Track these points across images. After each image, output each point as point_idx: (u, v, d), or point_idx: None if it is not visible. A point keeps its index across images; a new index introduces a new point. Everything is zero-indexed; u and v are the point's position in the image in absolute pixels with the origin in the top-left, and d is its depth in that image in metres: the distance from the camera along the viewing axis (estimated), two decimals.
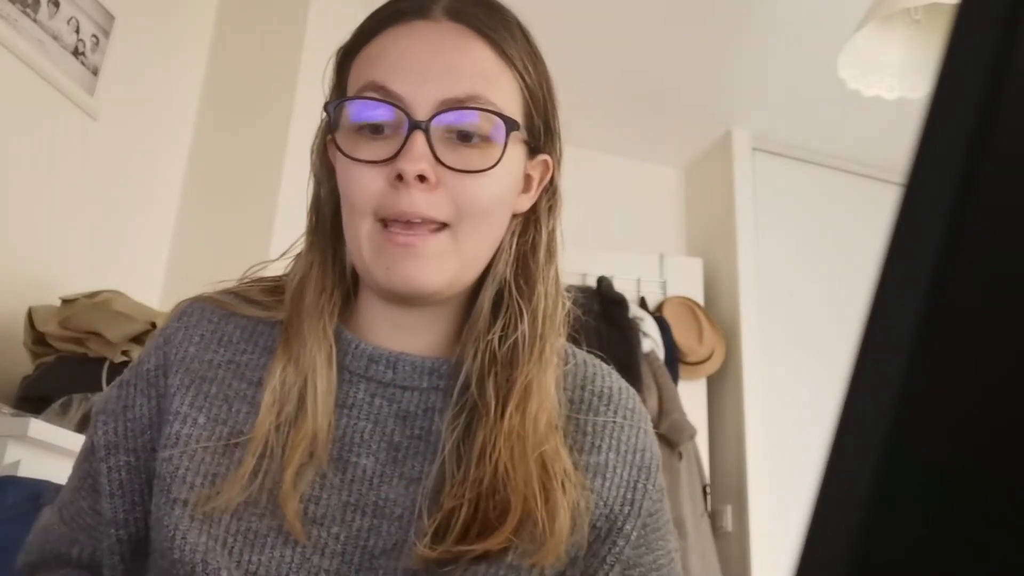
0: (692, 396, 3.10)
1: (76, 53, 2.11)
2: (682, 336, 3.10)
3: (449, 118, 0.69)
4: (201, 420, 0.72)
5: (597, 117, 3.34)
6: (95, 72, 2.17)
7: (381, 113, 0.69)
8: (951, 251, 0.20)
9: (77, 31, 2.11)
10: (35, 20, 1.98)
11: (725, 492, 3.10)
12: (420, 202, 0.68)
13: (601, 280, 3.04)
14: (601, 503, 0.74)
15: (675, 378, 2.99)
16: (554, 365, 0.75)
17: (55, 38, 2.04)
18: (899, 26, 2.07)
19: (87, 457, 0.76)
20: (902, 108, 2.13)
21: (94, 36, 2.17)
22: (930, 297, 0.20)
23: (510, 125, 0.71)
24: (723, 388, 3.23)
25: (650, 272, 3.30)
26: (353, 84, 0.73)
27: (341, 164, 0.72)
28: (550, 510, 0.69)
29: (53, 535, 0.75)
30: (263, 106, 2.51)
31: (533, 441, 0.70)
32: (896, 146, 3.08)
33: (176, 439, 0.71)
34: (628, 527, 0.74)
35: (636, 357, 2.82)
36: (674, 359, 3.03)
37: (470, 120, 0.69)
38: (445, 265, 0.70)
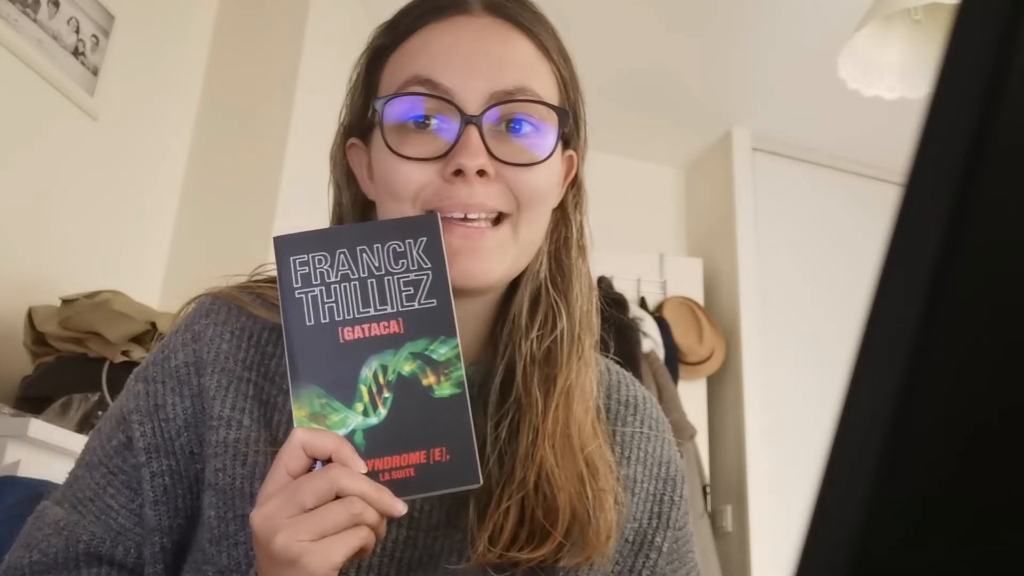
0: (692, 396, 3.10)
1: (76, 53, 2.11)
2: (682, 336, 3.10)
3: (501, 111, 0.69)
4: (246, 422, 0.70)
5: (597, 117, 3.32)
6: (95, 72, 2.17)
7: (431, 107, 0.69)
8: (951, 250, 0.20)
9: (77, 31, 2.11)
10: (35, 20, 1.98)
11: (725, 492, 3.10)
12: (480, 193, 0.67)
13: (601, 280, 3.04)
14: (631, 517, 0.74)
15: (675, 378, 2.99)
16: (593, 364, 0.75)
17: (55, 38, 2.04)
18: (899, 26, 2.07)
19: (119, 452, 0.72)
20: (902, 108, 2.13)
21: (94, 36, 2.17)
22: (930, 297, 0.20)
23: (563, 114, 0.72)
24: (723, 388, 3.23)
25: (650, 272, 3.30)
26: (391, 80, 0.72)
27: (384, 160, 0.70)
28: (596, 509, 0.68)
29: (85, 534, 0.70)
30: (263, 106, 2.51)
31: (578, 442, 0.70)
32: (896, 146, 3.07)
33: (225, 446, 0.69)
34: (659, 539, 0.75)
35: (636, 357, 2.82)
36: (674, 359, 3.03)
37: (522, 112, 0.69)
38: (504, 256, 0.69)
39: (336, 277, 0.63)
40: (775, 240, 3.41)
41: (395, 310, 0.62)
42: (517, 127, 0.69)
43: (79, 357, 1.78)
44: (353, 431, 0.60)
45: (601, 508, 0.68)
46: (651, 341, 2.95)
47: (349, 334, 0.62)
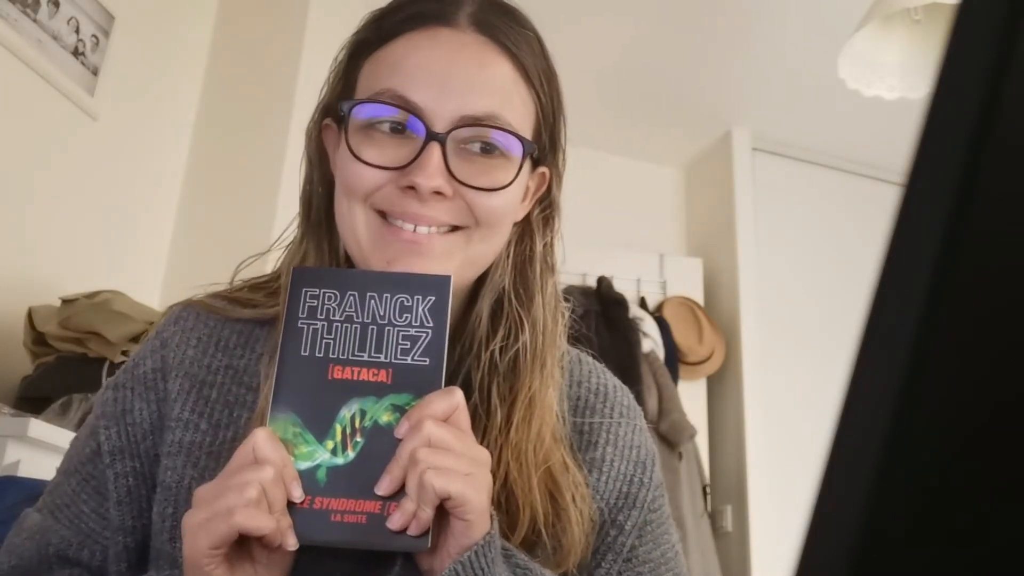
0: (692, 396, 3.10)
1: (76, 53, 2.11)
2: (682, 336, 3.10)
3: (467, 133, 0.68)
4: (203, 426, 0.71)
5: (597, 117, 3.34)
6: (95, 72, 2.17)
7: (398, 116, 0.69)
8: (950, 250, 0.20)
9: (77, 31, 2.11)
10: (35, 20, 1.98)
11: (725, 492, 3.10)
12: (432, 210, 0.68)
13: (601, 280, 3.04)
14: (597, 496, 0.74)
15: (675, 378, 2.99)
16: (556, 379, 0.75)
17: (55, 38, 2.04)
18: (899, 26, 2.07)
19: (91, 460, 0.74)
20: (902, 108, 2.13)
21: (94, 36, 2.17)
22: (930, 297, 0.20)
23: (528, 147, 0.71)
24: (723, 388, 3.23)
25: (650, 272, 3.30)
26: (367, 84, 0.71)
27: (344, 155, 0.70)
28: (561, 525, 0.68)
29: (55, 537, 0.72)
30: (263, 105, 2.51)
31: (540, 456, 0.70)
32: (896, 146, 3.07)
33: (179, 447, 0.71)
34: (622, 519, 0.75)
35: (636, 357, 2.82)
36: (674, 359, 3.03)
37: (490, 137, 0.69)
38: (450, 262, 0.70)
39: (340, 316, 0.65)
40: (775, 240, 3.41)
41: (387, 360, 0.64)
42: (487, 148, 0.69)
43: (79, 357, 1.78)
44: (318, 466, 0.62)
45: (566, 524, 0.69)
46: (651, 341, 2.95)
47: (338, 373, 0.64)
